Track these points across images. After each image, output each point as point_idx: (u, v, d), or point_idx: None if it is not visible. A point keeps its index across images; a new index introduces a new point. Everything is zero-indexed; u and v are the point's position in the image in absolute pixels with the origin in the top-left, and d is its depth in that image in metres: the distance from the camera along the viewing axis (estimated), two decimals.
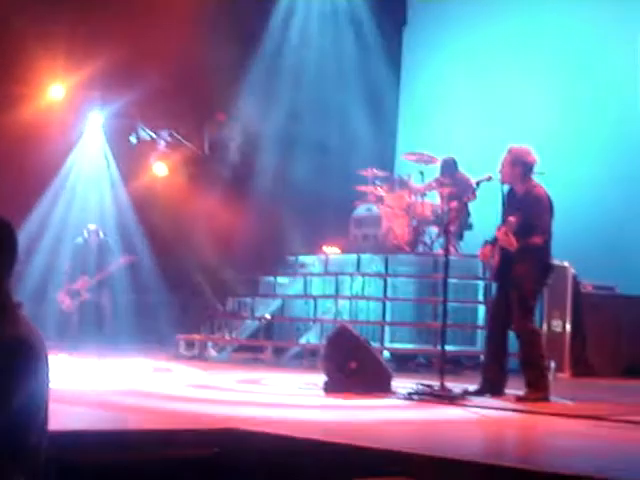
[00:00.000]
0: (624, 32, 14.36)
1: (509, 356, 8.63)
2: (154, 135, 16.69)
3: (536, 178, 8.55)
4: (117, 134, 16.50)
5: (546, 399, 8.12)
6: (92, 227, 13.81)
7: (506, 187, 8.62)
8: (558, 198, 8.58)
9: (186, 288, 16.16)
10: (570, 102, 14.85)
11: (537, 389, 8.17)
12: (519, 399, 8.06)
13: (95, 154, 16.38)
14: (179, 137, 16.75)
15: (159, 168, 16.50)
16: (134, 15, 14.41)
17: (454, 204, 12.09)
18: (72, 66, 15.09)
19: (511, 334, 8.55)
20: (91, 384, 8.90)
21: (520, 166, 8.45)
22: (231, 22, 15.21)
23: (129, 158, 16.31)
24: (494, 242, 8.50)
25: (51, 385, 3.06)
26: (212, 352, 13.25)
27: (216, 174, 16.43)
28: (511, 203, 8.53)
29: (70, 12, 14.57)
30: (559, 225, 8.58)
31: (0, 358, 2.82)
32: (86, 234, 13.65)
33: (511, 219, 8.25)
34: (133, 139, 16.56)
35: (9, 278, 2.99)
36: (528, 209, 8.32)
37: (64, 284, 13.51)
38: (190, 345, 13.55)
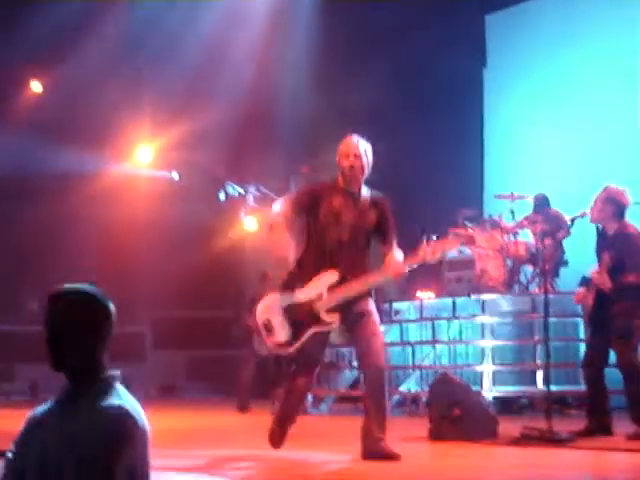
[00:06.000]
0: None
1: (610, 394, 8.48)
2: (242, 191, 16.84)
3: (628, 219, 8.42)
4: (205, 192, 16.73)
5: None
6: None
7: (599, 226, 8.52)
8: None
9: None
10: None
11: None
12: (630, 438, 7.86)
13: None
14: (267, 191, 16.88)
15: (249, 223, 16.62)
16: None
17: (548, 241, 11.95)
18: (159, 128, 15.42)
19: (609, 372, 8.41)
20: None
21: (613, 205, 8.32)
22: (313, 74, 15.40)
23: (219, 214, 16.51)
24: (587, 283, 8.39)
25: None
26: (313, 405, 13.17)
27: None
28: (602, 243, 8.41)
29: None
30: None
31: (111, 431, 2.82)
32: None
33: (605, 257, 8.14)
34: (222, 196, 16.74)
35: (106, 351, 3.02)
36: (620, 248, 8.19)
37: None
38: None
